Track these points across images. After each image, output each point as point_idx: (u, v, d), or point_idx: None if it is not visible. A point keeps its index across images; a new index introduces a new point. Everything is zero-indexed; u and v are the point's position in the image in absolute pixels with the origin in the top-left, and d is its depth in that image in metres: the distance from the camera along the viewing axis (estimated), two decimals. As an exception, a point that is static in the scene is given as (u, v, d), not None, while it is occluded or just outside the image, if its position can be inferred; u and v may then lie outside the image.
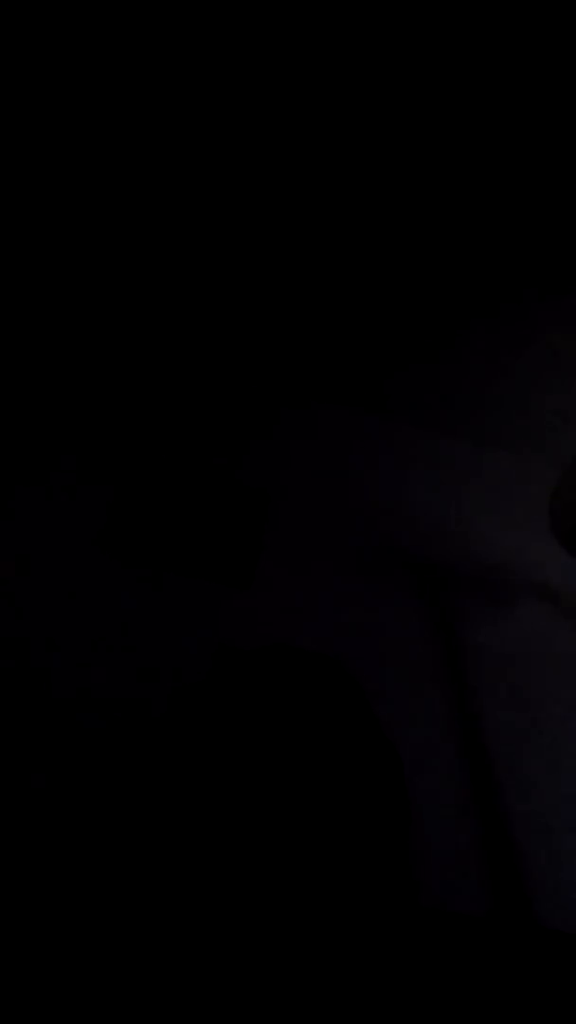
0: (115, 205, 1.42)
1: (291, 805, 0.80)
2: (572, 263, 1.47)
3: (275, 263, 1.53)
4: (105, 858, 0.88)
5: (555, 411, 1.81)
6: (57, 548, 1.30)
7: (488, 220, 1.40)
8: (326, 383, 1.81)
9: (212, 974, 0.69)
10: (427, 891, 0.96)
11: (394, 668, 1.29)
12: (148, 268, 1.56)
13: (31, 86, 1.20)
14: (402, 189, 1.36)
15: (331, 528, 1.54)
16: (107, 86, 1.20)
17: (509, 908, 0.94)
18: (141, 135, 1.28)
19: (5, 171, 1.34)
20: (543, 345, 1.66)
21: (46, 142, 1.29)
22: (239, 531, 1.45)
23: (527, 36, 1.09)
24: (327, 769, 0.84)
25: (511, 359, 1.71)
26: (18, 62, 1.16)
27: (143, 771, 0.98)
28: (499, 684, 1.33)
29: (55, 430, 1.52)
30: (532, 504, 1.79)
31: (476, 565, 1.57)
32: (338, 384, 1.81)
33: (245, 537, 1.44)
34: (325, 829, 0.80)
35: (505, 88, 1.17)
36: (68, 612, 1.20)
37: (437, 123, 1.23)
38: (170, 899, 0.77)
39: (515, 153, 1.28)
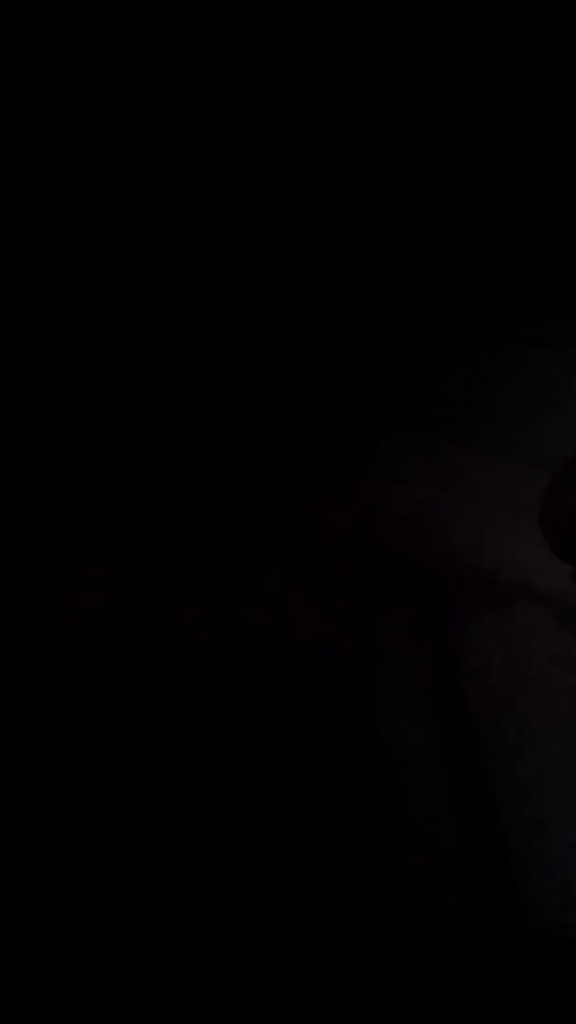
0: (117, 207, 1.42)
1: (282, 808, 0.80)
2: (564, 267, 1.48)
3: (271, 266, 1.53)
4: (100, 859, 0.87)
5: (546, 415, 1.82)
6: (50, 549, 1.29)
7: (481, 224, 1.41)
8: (319, 386, 1.82)
9: (206, 976, 0.69)
10: (418, 893, 0.97)
11: (386, 670, 1.29)
12: (145, 270, 1.55)
13: (32, 87, 1.19)
14: (396, 193, 1.36)
15: (323, 530, 1.54)
16: (108, 87, 1.20)
17: (498, 910, 0.95)
18: (143, 134, 1.28)
19: (9, 167, 1.33)
20: (535, 349, 1.67)
21: (50, 140, 1.28)
22: (231, 532, 1.44)
23: (523, 37, 1.10)
24: (318, 772, 0.84)
25: (503, 363, 1.72)
26: (18, 63, 1.15)
27: (136, 774, 0.97)
28: (490, 687, 1.34)
29: (50, 429, 1.51)
30: (523, 508, 1.80)
31: (467, 568, 1.58)
32: (331, 387, 1.82)
33: (237, 538, 1.44)
34: (316, 832, 0.80)
35: (505, 91, 1.18)
36: (60, 613, 1.20)
37: (431, 127, 1.24)
38: (163, 901, 0.76)
39: (507, 159, 1.29)
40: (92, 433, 1.54)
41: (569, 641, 1.48)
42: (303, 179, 1.34)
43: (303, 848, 0.74)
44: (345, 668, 1.27)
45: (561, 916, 0.99)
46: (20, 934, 0.80)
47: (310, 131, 1.25)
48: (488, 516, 1.74)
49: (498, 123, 1.23)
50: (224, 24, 1.10)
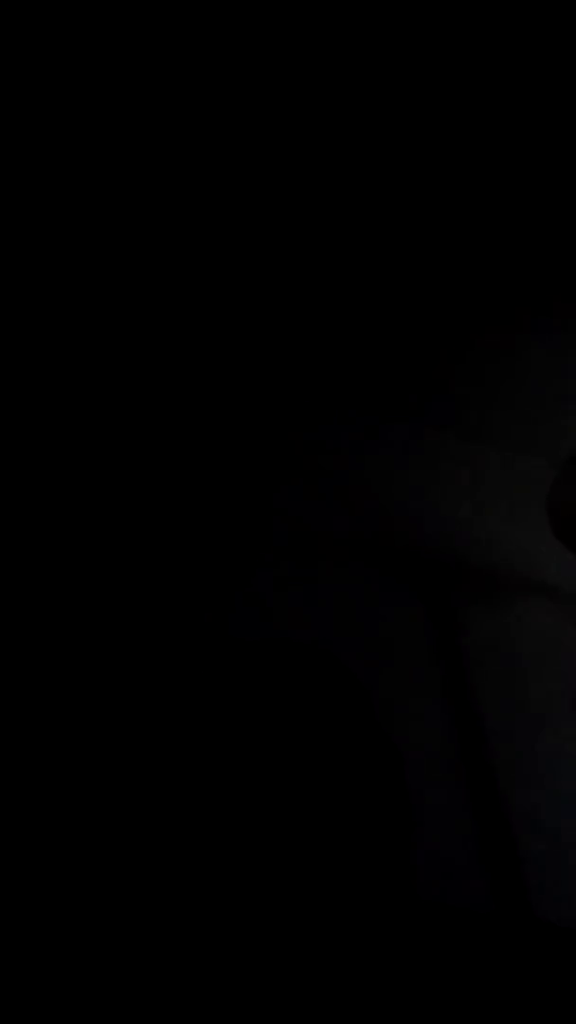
0: (117, 204, 1.42)
1: (289, 800, 0.80)
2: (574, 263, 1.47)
3: (276, 257, 1.53)
4: (103, 858, 0.88)
5: (555, 409, 1.81)
6: (54, 540, 1.29)
7: (494, 217, 1.40)
8: (326, 379, 1.81)
9: (209, 970, 0.70)
10: (426, 886, 0.97)
11: (393, 663, 1.29)
12: (149, 262, 1.56)
13: (31, 87, 1.19)
14: (407, 188, 1.36)
15: (330, 523, 1.54)
16: (107, 87, 1.20)
17: (507, 902, 0.95)
18: (149, 133, 1.28)
19: (5, 172, 1.34)
20: (544, 342, 1.66)
21: (50, 142, 1.29)
22: (237, 525, 1.45)
23: (527, 39, 1.09)
24: (326, 763, 0.85)
25: (511, 356, 1.71)
26: (18, 62, 1.16)
27: (141, 767, 0.98)
28: (498, 680, 1.34)
29: (55, 427, 1.52)
30: (532, 501, 1.79)
31: (475, 562, 1.57)
32: (338, 381, 1.81)
33: (243, 531, 1.44)
34: (324, 824, 0.80)
35: (522, 84, 1.17)
36: (66, 608, 1.20)
37: (444, 125, 1.23)
38: (164, 897, 0.77)
39: (518, 150, 1.28)
40: (100, 428, 1.54)
41: (578, 634, 1.48)
42: (310, 167, 1.34)
43: (309, 841, 0.74)
44: (351, 662, 1.26)
45: (570, 907, 0.98)
46: (19, 932, 0.81)
47: (322, 129, 1.25)
48: (496, 510, 1.73)
49: (511, 117, 1.22)
50: (224, 24, 1.10)
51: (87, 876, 0.87)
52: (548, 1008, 0.84)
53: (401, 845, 0.85)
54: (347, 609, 1.37)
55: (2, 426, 1.40)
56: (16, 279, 1.58)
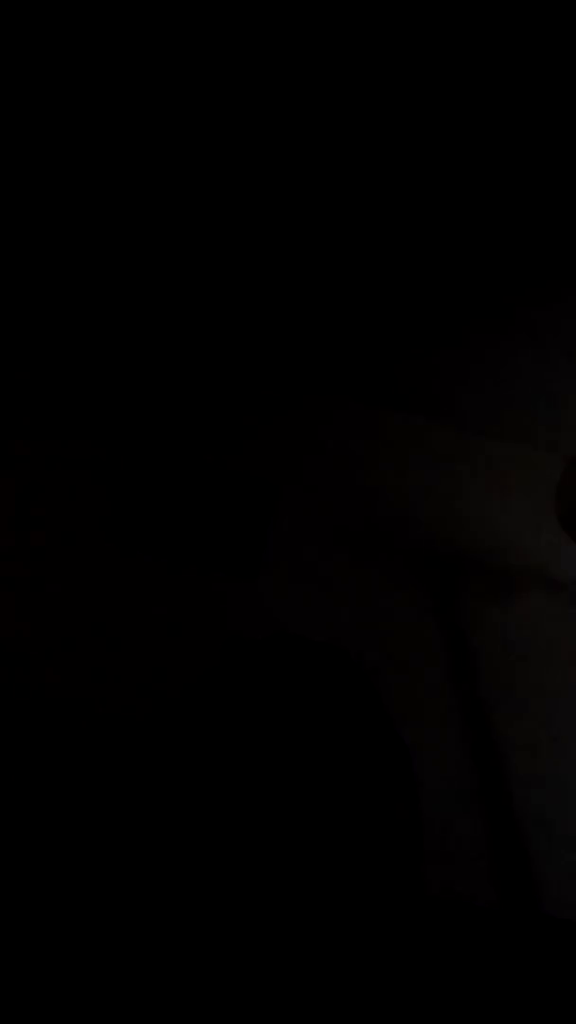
0: (114, 191, 1.40)
1: (299, 797, 0.80)
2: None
3: (278, 252, 1.51)
4: (106, 854, 0.88)
5: (562, 401, 1.80)
6: (62, 540, 1.29)
7: (496, 204, 1.39)
8: (330, 373, 1.80)
9: (213, 968, 0.70)
10: (434, 880, 0.97)
11: (399, 657, 1.29)
12: (150, 256, 1.54)
13: (31, 84, 1.18)
14: (407, 176, 1.34)
15: (336, 518, 1.53)
16: (106, 83, 1.18)
17: (515, 897, 0.95)
18: (138, 126, 1.26)
19: (6, 166, 1.32)
20: (550, 334, 1.64)
21: (47, 136, 1.27)
22: (245, 521, 1.44)
23: (526, 34, 1.07)
24: (335, 759, 0.84)
25: (517, 348, 1.69)
26: (18, 61, 1.14)
27: (148, 764, 0.98)
28: (505, 673, 1.34)
29: (58, 419, 1.51)
30: (538, 493, 1.78)
31: (481, 554, 1.57)
32: (342, 374, 1.80)
33: (251, 527, 1.44)
34: (333, 820, 0.80)
35: (522, 68, 1.15)
36: (74, 603, 1.20)
37: (440, 110, 1.21)
38: (171, 894, 0.77)
39: (520, 144, 1.26)
40: (104, 421, 1.54)
41: (585, 628, 1.47)
42: (307, 162, 1.32)
43: (317, 837, 0.74)
44: (360, 656, 1.27)
45: (578, 902, 0.99)
46: (19, 932, 0.81)
47: (314, 110, 1.23)
48: (503, 502, 1.72)
49: (510, 111, 1.20)
50: (224, 22, 1.08)
51: (89, 873, 0.87)
52: (555, 1000, 0.84)
53: (410, 841, 0.85)
54: (353, 603, 1.36)
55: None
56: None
